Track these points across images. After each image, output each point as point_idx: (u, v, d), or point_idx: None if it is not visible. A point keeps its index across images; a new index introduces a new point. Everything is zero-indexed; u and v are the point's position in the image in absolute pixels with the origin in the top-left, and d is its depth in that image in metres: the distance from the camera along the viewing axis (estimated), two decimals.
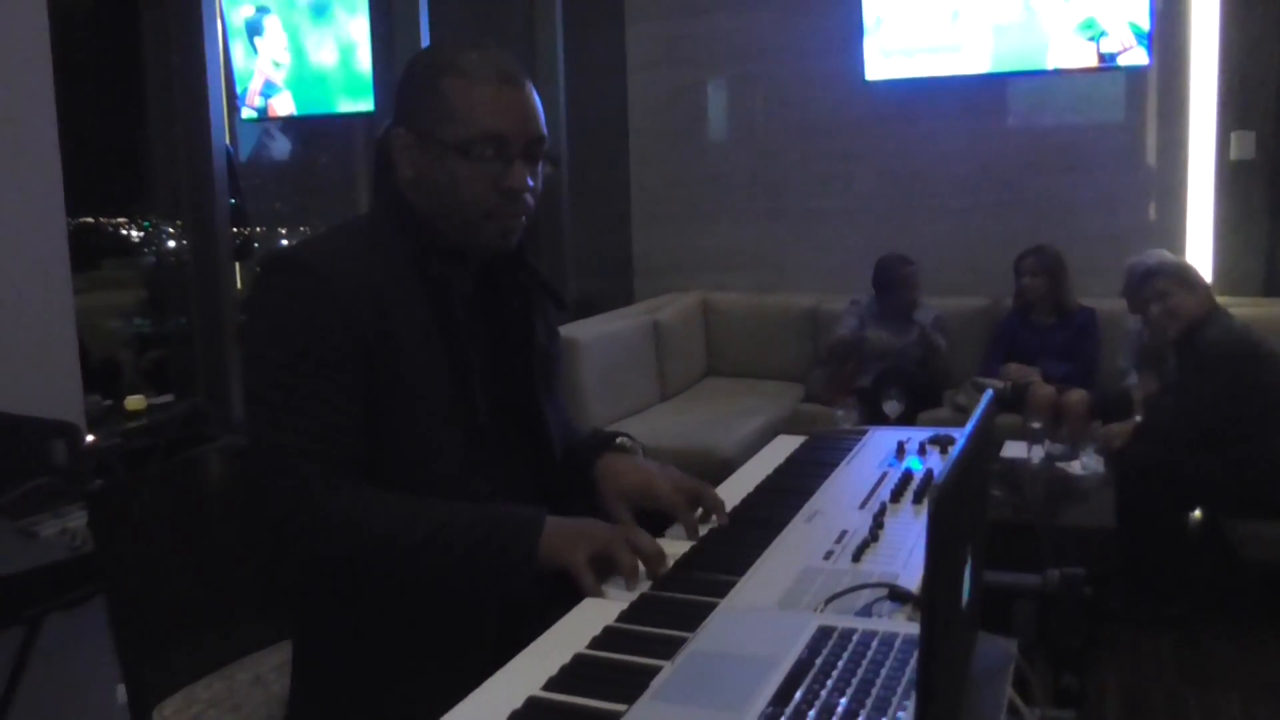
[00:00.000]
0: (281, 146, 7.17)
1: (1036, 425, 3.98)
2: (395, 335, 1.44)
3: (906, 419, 4.57)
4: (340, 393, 1.40)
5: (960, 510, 0.85)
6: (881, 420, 4.53)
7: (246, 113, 6.10)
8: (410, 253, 1.50)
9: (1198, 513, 3.85)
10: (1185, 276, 3.73)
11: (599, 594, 1.35)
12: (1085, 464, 3.69)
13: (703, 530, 1.57)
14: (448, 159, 1.48)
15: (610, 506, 1.59)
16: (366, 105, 5.68)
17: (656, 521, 1.59)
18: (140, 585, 1.66)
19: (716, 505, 1.61)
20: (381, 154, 1.57)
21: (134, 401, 3.97)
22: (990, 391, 1.11)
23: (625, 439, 1.73)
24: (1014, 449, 3.79)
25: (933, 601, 0.75)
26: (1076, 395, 4.36)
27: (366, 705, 1.47)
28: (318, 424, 1.38)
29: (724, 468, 1.92)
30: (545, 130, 1.54)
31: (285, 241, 6.76)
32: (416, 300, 1.47)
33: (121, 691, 1.65)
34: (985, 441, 1.01)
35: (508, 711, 1.03)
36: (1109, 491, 3.54)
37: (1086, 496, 3.56)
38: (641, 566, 1.39)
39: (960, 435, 1.83)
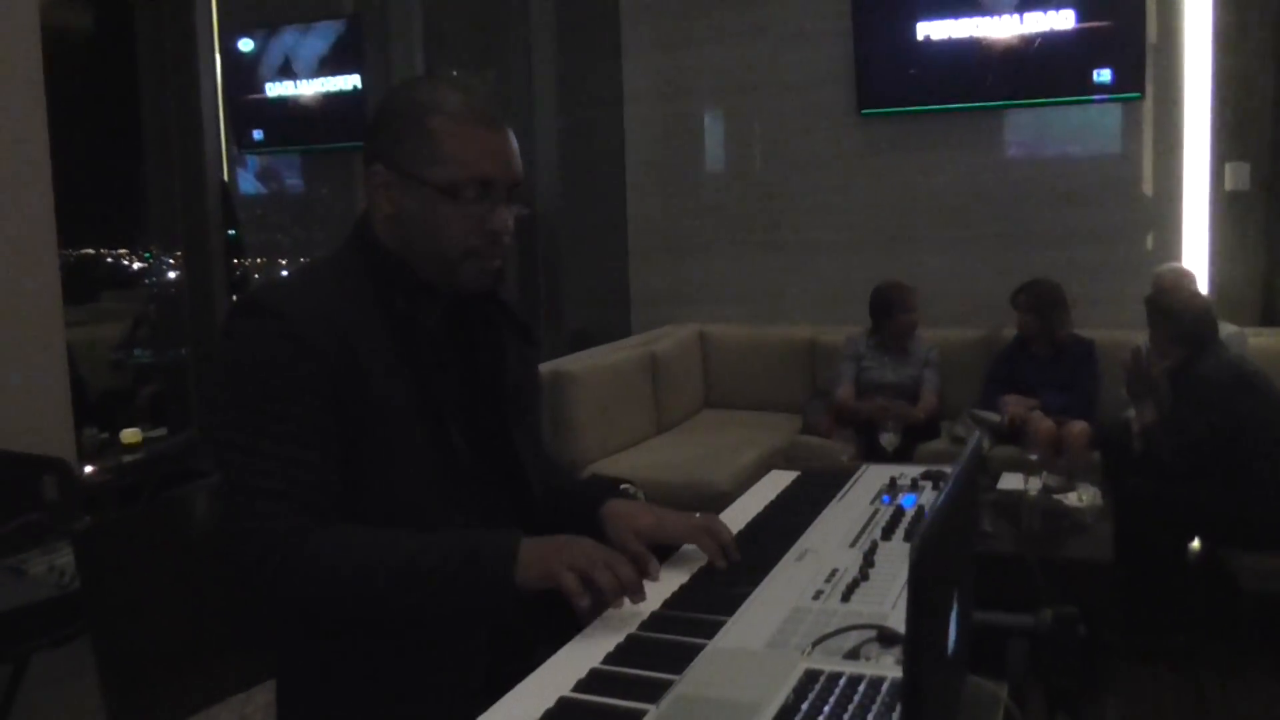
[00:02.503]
0: (282, 179, 7.21)
1: (1034, 457, 3.97)
2: (365, 373, 1.43)
3: (903, 451, 4.55)
4: (312, 433, 1.39)
5: (944, 557, 0.84)
6: (878, 452, 4.52)
7: (246, 145, 6.13)
8: (375, 291, 1.49)
9: (1196, 544, 3.83)
10: (1161, 318, 3.70)
11: (585, 601, 1.34)
12: (1083, 496, 3.67)
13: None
14: (432, 199, 1.48)
15: (624, 543, 1.57)
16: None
17: (662, 554, 1.58)
18: (126, 624, 1.65)
19: (729, 537, 1.60)
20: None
21: (130, 434, 3.96)
22: (977, 435, 1.10)
23: (629, 486, 1.73)
24: (1011, 480, 3.77)
25: (916, 653, 0.74)
26: (1078, 427, 4.35)
27: None
28: (290, 466, 1.37)
29: (720, 500, 1.91)
30: (521, 173, 1.54)
31: (285, 273, 6.77)
32: (384, 337, 1.47)
33: None
34: (970, 487, 1.00)
35: None
36: (1107, 524, 3.52)
37: (1084, 529, 3.54)
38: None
39: (949, 475, 1.82)
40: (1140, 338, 4.06)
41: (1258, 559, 3.49)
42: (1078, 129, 5.23)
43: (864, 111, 5.42)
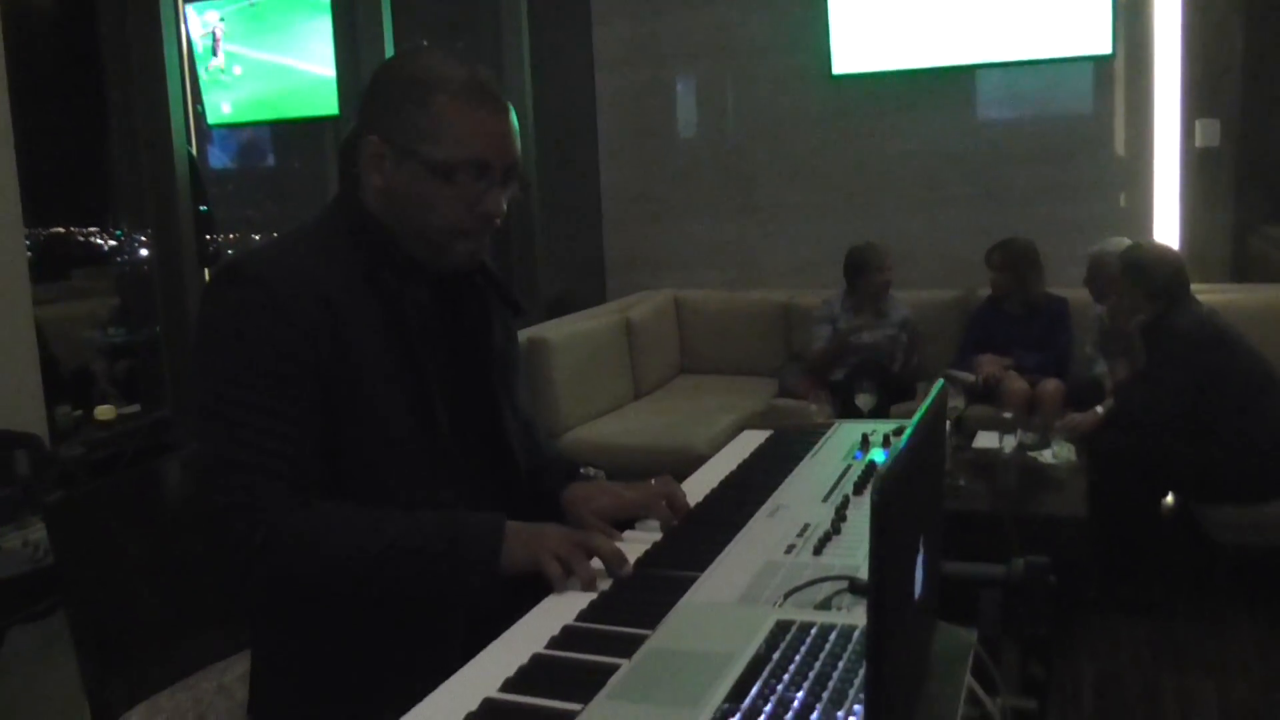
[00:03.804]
0: (251, 153, 7.14)
1: (1008, 415, 3.99)
2: (350, 346, 1.41)
3: (880, 411, 4.57)
4: (294, 407, 1.37)
5: (908, 500, 0.84)
6: (855, 413, 4.53)
7: (212, 118, 6.05)
8: (362, 263, 1.46)
9: (1169, 498, 3.87)
10: (1135, 273, 3.71)
11: (564, 587, 1.34)
12: (1057, 452, 3.70)
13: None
14: (426, 177, 1.45)
15: (584, 526, 1.57)
16: (331, 109, 5.64)
17: (625, 527, 1.59)
18: (102, 596, 1.64)
19: (684, 501, 1.61)
20: (346, 159, 1.54)
21: (104, 411, 3.94)
22: (941, 381, 1.11)
23: (589, 469, 1.73)
24: (986, 439, 3.80)
25: (880, 593, 0.75)
26: (1051, 385, 4.38)
27: (327, 713, 1.45)
28: (271, 440, 1.35)
29: (699, 465, 1.92)
30: (518, 154, 1.52)
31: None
32: (370, 309, 1.44)
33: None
34: (935, 430, 1.00)
35: (463, 713, 1.02)
36: (1081, 479, 3.55)
37: (1059, 485, 3.57)
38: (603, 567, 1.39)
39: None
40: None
41: (1228, 511, 3.54)
42: (1049, 88, 5.23)
43: (835, 74, 5.40)
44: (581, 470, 1.73)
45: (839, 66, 5.38)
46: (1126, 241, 4.16)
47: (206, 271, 4.99)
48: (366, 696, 1.42)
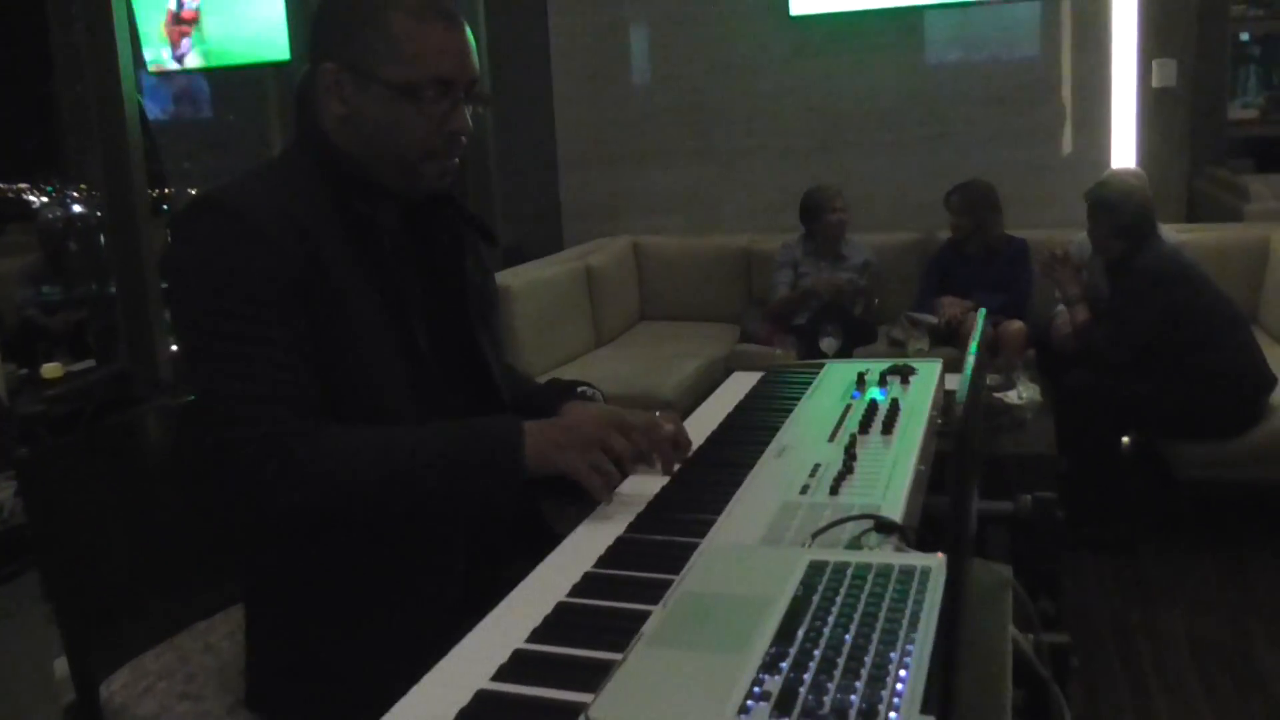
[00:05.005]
0: (190, 103, 6.95)
1: None
2: (327, 272, 1.36)
3: (843, 355, 4.57)
4: (285, 332, 1.32)
5: (975, 440, 0.81)
6: (818, 357, 4.53)
7: (153, 65, 5.86)
8: (331, 192, 1.42)
9: (1129, 437, 3.91)
10: (1102, 209, 3.71)
11: (607, 497, 1.38)
12: (1022, 393, 3.71)
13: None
14: (391, 100, 1.41)
15: None
16: (281, 54, 5.48)
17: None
18: (78, 556, 1.58)
19: (687, 440, 1.59)
20: (305, 94, 1.49)
21: (51, 369, 3.83)
22: (984, 311, 1.08)
23: (586, 388, 1.69)
24: (950, 381, 3.80)
25: (962, 526, 0.72)
26: (1014, 326, 4.39)
27: (329, 665, 1.41)
28: (271, 367, 1.31)
29: (665, 410, 1.88)
30: (478, 70, 1.48)
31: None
32: (342, 239, 1.40)
33: (60, 666, 1.57)
34: (985, 364, 0.97)
35: (494, 667, 0.98)
36: (1047, 419, 3.57)
37: (1024, 425, 3.59)
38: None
39: (919, 364, 1.82)
40: (1063, 237, 4.11)
41: (1191, 448, 3.58)
42: (1005, 28, 5.21)
43: (794, 15, 5.34)
44: (579, 389, 1.70)
45: (797, 7, 5.32)
46: (1111, 177, 4.15)
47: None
48: (372, 647, 1.38)
